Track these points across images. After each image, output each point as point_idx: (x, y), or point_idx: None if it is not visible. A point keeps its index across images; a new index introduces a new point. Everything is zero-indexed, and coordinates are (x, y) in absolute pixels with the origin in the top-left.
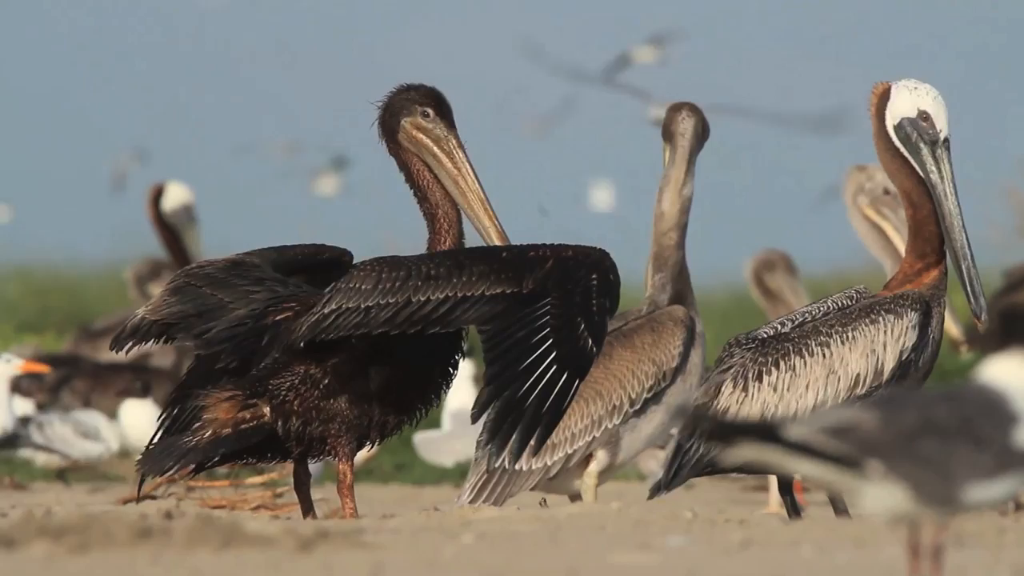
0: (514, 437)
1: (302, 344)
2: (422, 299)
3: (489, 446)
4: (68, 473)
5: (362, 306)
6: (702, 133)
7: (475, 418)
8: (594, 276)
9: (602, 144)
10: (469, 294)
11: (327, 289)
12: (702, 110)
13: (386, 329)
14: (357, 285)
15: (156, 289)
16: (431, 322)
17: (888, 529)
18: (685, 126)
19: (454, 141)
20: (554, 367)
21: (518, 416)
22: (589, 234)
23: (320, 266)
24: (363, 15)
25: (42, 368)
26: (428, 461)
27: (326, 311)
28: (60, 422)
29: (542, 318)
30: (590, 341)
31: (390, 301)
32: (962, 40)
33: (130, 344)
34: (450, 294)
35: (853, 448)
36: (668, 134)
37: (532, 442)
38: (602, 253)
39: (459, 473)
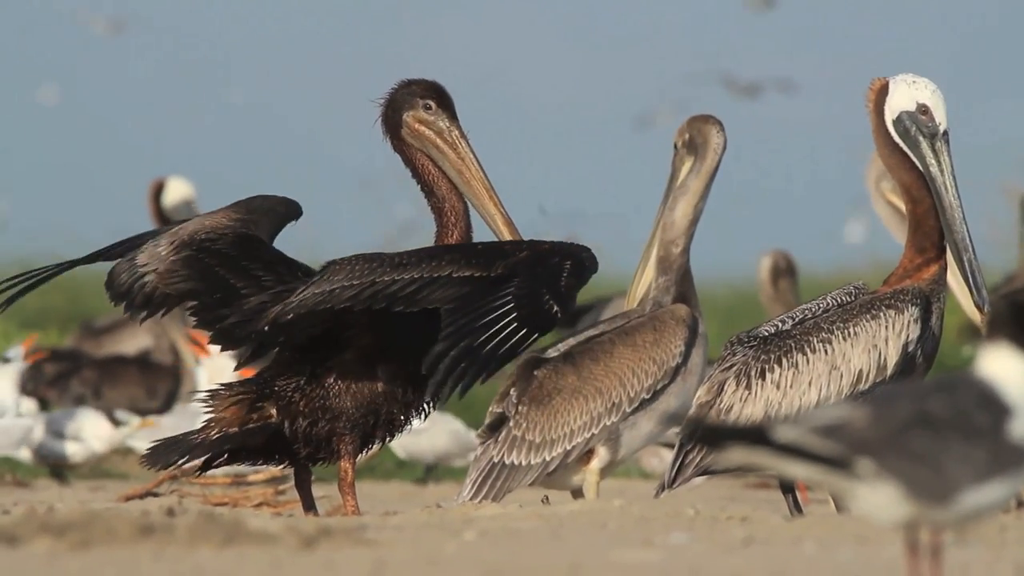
0: (467, 377)
1: (266, 328)
2: (387, 280)
3: (433, 379)
4: (65, 471)
5: (327, 289)
6: (725, 148)
7: (429, 369)
8: (567, 262)
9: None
10: (436, 275)
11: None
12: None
13: (349, 304)
14: (330, 276)
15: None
16: (396, 300)
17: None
18: (718, 140)
19: (456, 132)
20: (513, 325)
21: (473, 359)
22: None
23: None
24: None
25: (38, 354)
26: (404, 459)
27: (294, 299)
28: (41, 423)
29: (506, 293)
30: (554, 306)
31: (355, 283)
32: (959, 36)
33: (144, 314)
34: (416, 275)
35: (844, 447)
36: (693, 146)
37: (479, 382)
38: (582, 247)
39: (462, 471)
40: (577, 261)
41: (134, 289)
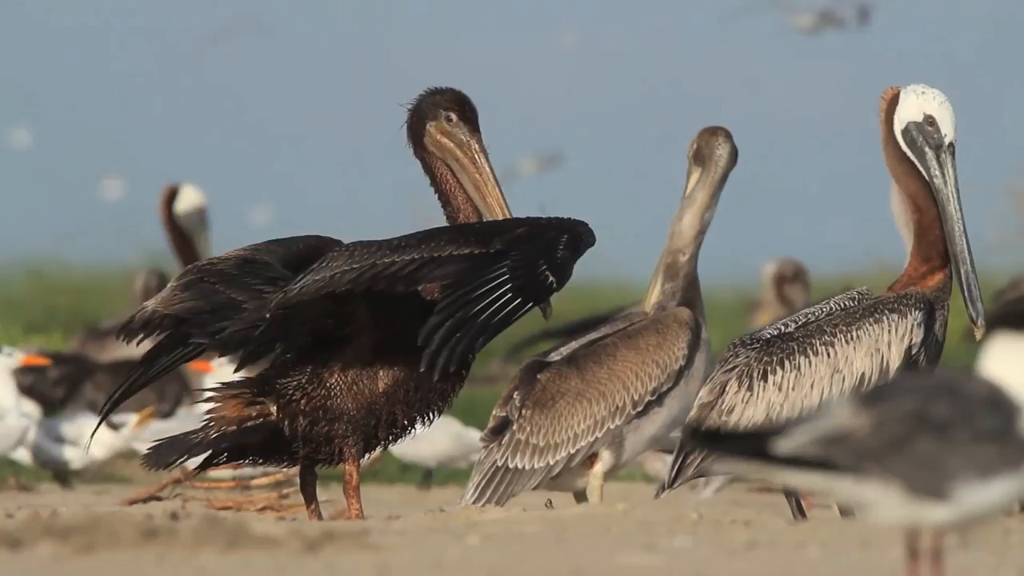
0: (461, 345)
1: (267, 315)
2: (387, 262)
3: (428, 350)
4: (68, 476)
5: (327, 275)
6: (734, 159)
7: (424, 340)
8: (564, 235)
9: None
10: (436, 255)
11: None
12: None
13: (350, 288)
14: (329, 263)
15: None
16: (397, 280)
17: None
18: (722, 152)
19: (476, 146)
20: (508, 295)
21: (467, 329)
22: None
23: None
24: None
25: (43, 361)
26: (405, 461)
27: (295, 286)
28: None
29: (502, 265)
30: (550, 276)
31: (354, 266)
32: (969, 39)
33: (140, 336)
34: (416, 256)
35: (847, 457)
36: (700, 157)
37: (474, 350)
38: (580, 222)
39: (465, 475)
40: (574, 235)
41: (135, 319)
